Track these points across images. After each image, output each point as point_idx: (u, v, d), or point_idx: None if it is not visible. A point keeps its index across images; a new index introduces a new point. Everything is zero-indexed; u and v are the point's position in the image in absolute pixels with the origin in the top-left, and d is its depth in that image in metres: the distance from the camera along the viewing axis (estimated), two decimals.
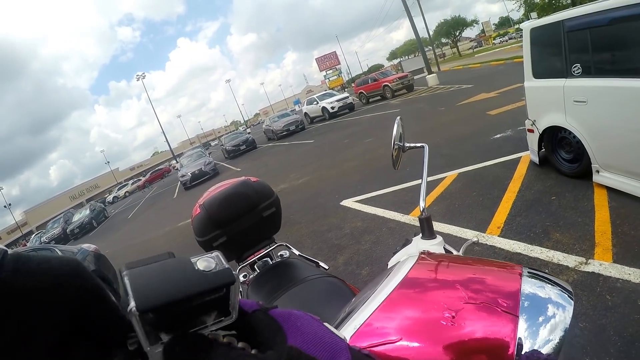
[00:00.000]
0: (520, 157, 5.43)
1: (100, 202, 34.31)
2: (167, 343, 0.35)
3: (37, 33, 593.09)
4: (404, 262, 0.85)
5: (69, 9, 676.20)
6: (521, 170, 5.00)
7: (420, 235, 1.22)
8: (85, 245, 5.94)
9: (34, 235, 36.64)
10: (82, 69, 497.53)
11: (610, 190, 3.76)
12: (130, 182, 56.38)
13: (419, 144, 1.39)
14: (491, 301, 0.66)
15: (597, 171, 3.86)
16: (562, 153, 4.39)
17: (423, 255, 0.88)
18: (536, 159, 4.86)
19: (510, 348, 0.60)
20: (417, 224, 3.93)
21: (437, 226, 4.20)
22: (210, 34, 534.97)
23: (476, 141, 7.11)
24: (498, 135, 6.98)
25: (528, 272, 0.73)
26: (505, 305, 0.65)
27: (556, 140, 4.42)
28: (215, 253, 0.42)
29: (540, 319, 0.63)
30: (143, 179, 52.90)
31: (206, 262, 0.39)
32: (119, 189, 54.57)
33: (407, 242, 1.23)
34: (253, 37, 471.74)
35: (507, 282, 0.71)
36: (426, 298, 0.72)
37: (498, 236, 3.67)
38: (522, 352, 0.59)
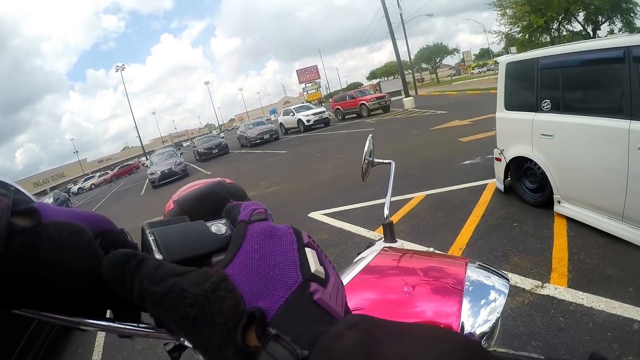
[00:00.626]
0: (487, 184, 5.59)
1: (64, 192, 33.05)
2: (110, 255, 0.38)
3: (21, 9, 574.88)
4: (367, 255, 0.91)
5: None
6: (486, 197, 5.15)
7: (383, 239, 1.32)
8: None
9: None
10: (61, 52, 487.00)
11: (570, 220, 3.92)
12: (98, 174, 55.04)
13: (386, 160, 1.54)
14: (441, 281, 0.75)
15: (559, 202, 4.02)
16: (527, 182, 4.56)
17: (385, 249, 0.94)
18: (501, 187, 5.01)
19: (456, 322, 0.67)
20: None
21: (399, 243, 4.26)
22: (195, 33, 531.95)
23: (446, 165, 7.26)
24: (467, 162, 7.16)
25: (472, 263, 0.80)
26: (453, 283, 0.72)
27: (522, 170, 4.59)
28: (224, 220, 0.48)
29: (482, 301, 0.71)
30: (111, 172, 51.82)
31: (218, 227, 0.45)
32: (85, 180, 53.10)
33: (371, 244, 1.31)
34: (237, 41, 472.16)
35: (455, 268, 0.80)
36: (387, 278, 0.79)
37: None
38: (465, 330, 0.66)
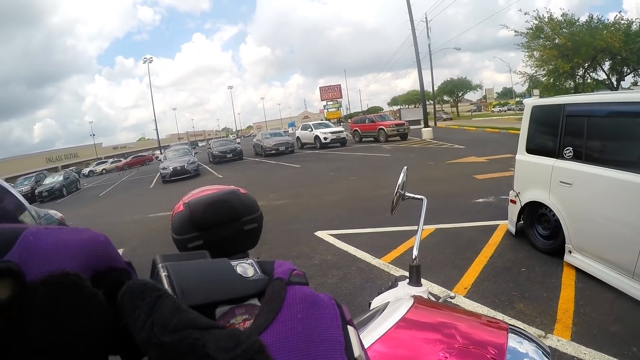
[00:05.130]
0: (498, 224, 5.52)
1: (75, 172, 33.26)
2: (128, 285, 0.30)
3: None
4: (399, 303, 0.87)
5: None
6: (497, 238, 5.08)
7: (408, 281, 1.26)
8: (52, 212, 5.71)
9: None
10: (95, 36, 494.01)
11: (579, 272, 3.85)
12: (110, 160, 55.52)
13: (418, 196, 1.48)
14: (481, 349, 0.69)
15: (570, 251, 3.95)
16: (539, 228, 4.49)
17: (419, 300, 0.90)
18: (513, 230, 4.95)
19: None
20: (387, 269, 3.93)
21: (405, 274, 4.21)
22: (227, 37, 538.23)
23: (458, 201, 7.22)
24: (480, 200, 7.11)
25: (512, 330, 0.76)
26: (493, 353, 0.67)
27: (536, 215, 4.53)
28: (250, 260, 0.41)
29: None
30: (124, 160, 52.29)
31: (244, 267, 0.39)
32: (97, 164, 53.57)
33: (394, 285, 1.26)
34: (266, 51, 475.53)
35: (495, 335, 0.74)
36: (423, 339, 0.74)
37: (464, 296, 3.69)
38: None
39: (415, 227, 4.67)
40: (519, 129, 4.76)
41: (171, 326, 0.27)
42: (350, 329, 0.34)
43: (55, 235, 0.30)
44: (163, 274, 0.34)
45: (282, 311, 0.32)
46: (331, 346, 0.31)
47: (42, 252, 0.28)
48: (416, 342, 0.74)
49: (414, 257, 1.30)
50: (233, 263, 0.39)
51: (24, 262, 0.27)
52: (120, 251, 6.81)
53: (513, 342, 0.72)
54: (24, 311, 0.26)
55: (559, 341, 2.90)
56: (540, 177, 4.28)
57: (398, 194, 1.46)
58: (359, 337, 0.35)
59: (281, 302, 0.33)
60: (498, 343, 0.71)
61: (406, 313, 0.82)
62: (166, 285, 0.33)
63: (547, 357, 0.72)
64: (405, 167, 1.48)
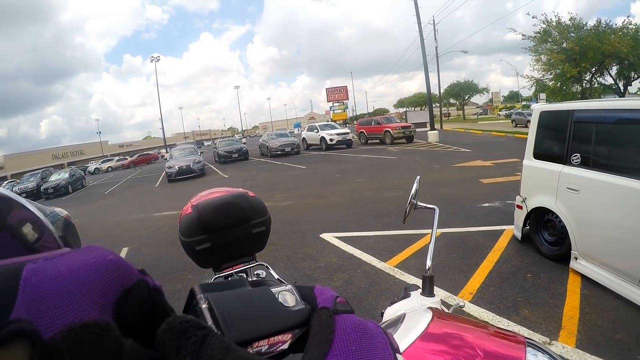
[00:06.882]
0: (504, 230, 5.51)
1: (81, 169, 33.38)
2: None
3: None
4: (419, 316, 0.88)
5: None
6: (502, 243, 5.07)
7: (420, 291, 1.25)
8: (58, 209, 5.73)
9: (6, 182, 35.72)
10: (103, 34, 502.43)
11: (585, 278, 3.84)
12: (116, 158, 55.88)
13: (430, 205, 1.43)
14: None
15: (576, 258, 3.94)
16: (545, 234, 4.48)
17: (437, 313, 0.91)
18: (519, 235, 4.94)
19: None
20: (393, 272, 3.92)
21: (410, 279, 4.22)
22: (234, 37, 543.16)
23: (464, 205, 7.20)
24: (486, 204, 7.09)
25: (530, 343, 0.77)
26: None
27: (542, 221, 4.52)
28: (289, 286, 0.39)
29: None
30: (129, 158, 52.62)
31: (285, 296, 0.37)
32: (102, 162, 53.72)
33: (406, 295, 1.25)
34: (273, 51, 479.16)
35: (513, 349, 0.76)
36: (445, 353, 0.76)
37: (469, 301, 3.69)
38: None
39: (421, 231, 4.66)
40: (525, 134, 4.75)
41: None
42: (398, 356, 0.33)
43: (60, 268, 0.25)
44: (204, 306, 0.32)
45: (335, 343, 0.31)
46: None
47: (52, 298, 0.24)
48: (439, 357, 0.75)
49: (427, 267, 1.28)
50: (274, 291, 0.37)
51: (35, 316, 0.23)
52: (125, 250, 6.91)
53: (531, 355, 0.73)
54: None
55: (564, 348, 2.90)
56: (547, 183, 4.27)
57: (411, 203, 1.43)
58: None
59: (332, 333, 0.32)
60: (517, 357, 0.72)
61: (427, 327, 0.83)
62: (209, 320, 0.31)
63: None
64: (418, 177, 1.46)
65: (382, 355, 0.31)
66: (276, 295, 0.36)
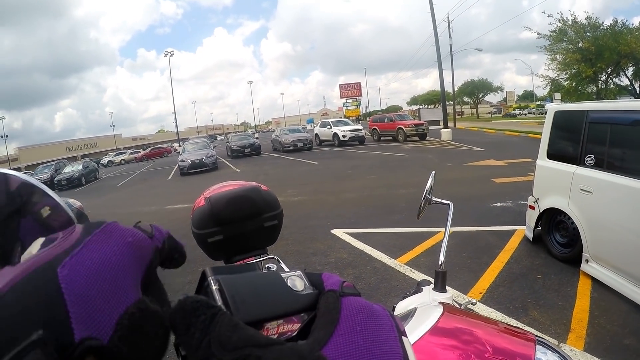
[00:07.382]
0: (515, 230, 5.49)
1: (94, 162, 33.75)
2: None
3: None
4: (430, 310, 0.90)
5: None
6: (513, 243, 5.05)
7: (433, 286, 1.27)
8: (71, 200, 5.82)
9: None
10: (118, 28, 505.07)
11: (595, 281, 3.81)
12: (129, 151, 56.35)
13: (445, 201, 1.45)
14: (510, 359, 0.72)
15: (587, 260, 3.91)
16: (557, 236, 4.46)
17: (448, 308, 0.93)
18: (530, 236, 4.92)
19: None
20: (403, 270, 3.92)
21: (420, 277, 4.22)
22: (248, 32, 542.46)
23: (476, 204, 7.17)
24: (498, 204, 7.06)
25: (540, 341, 0.78)
26: None
27: (554, 222, 4.49)
28: (299, 272, 0.40)
29: None
30: (142, 152, 53.13)
31: (295, 281, 0.38)
32: (116, 155, 54.30)
33: (419, 290, 1.26)
34: (287, 47, 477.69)
35: (523, 346, 0.77)
36: (454, 347, 0.77)
37: (478, 301, 3.69)
38: None
39: (432, 229, 4.67)
40: (539, 134, 4.71)
41: (230, 344, 0.26)
42: (405, 340, 0.34)
43: (90, 266, 0.26)
44: (214, 287, 0.33)
45: (340, 324, 0.32)
46: (391, 358, 0.31)
47: (94, 299, 0.25)
48: (447, 351, 0.76)
49: (440, 262, 1.31)
50: (283, 275, 0.38)
51: (89, 326, 0.24)
52: None
53: (540, 353, 0.74)
54: None
55: (572, 351, 2.89)
56: (560, 184, 4.25)
57: (425, 198, 1.45)
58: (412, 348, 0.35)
59: (338, 314, 0.33)
60: (526, 354, 0.73)
61: (437, 321, 0.84)
62: (219, 301, 0.32)
63: None
64: (434, 172, 1.47)
65: (388, 336, 0.32)
66: (285, 280, 0.37)
